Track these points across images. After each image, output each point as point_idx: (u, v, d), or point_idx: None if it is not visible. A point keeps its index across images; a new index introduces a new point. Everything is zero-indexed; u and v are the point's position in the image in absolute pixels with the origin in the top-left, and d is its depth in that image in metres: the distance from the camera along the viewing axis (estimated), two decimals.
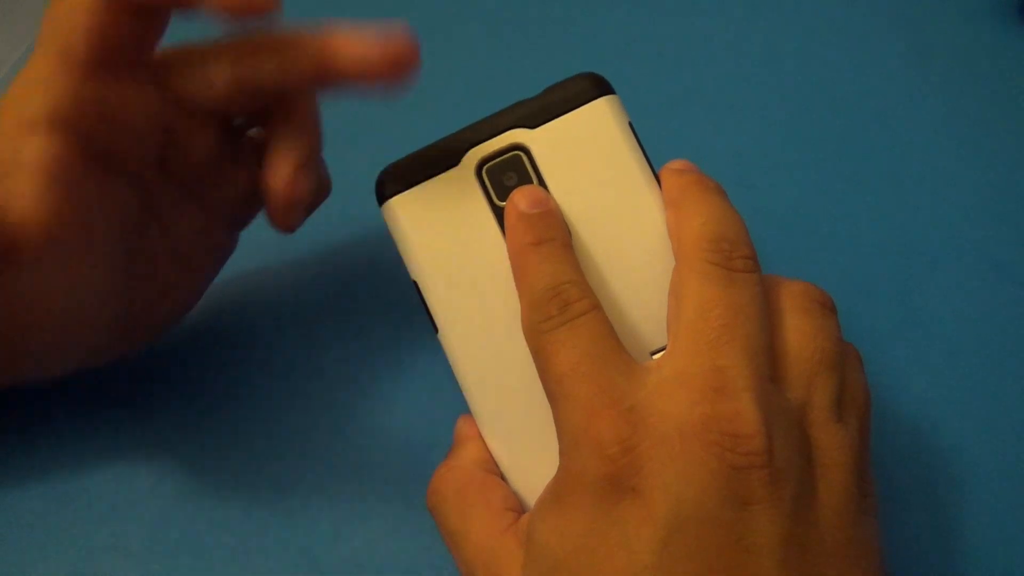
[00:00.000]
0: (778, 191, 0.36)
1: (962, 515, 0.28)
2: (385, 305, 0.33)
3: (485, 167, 0.25)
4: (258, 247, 0.33)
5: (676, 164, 0.25)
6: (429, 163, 0.25)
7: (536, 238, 0.23)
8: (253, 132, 0.29)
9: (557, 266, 0.23)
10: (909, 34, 0.40)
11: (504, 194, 0.25)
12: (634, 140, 0.25)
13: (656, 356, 0.23)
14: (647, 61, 0.40)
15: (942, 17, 0.41)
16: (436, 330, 0.25)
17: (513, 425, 0.24)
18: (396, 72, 0.24)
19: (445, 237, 0.25)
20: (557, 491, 0.21)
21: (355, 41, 0.24)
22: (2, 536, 0.29)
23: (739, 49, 0.40)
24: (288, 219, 0.27)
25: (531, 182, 0.25)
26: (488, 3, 0.42)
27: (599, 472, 0.20)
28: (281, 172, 0.26)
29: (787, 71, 0.39)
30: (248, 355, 0.32)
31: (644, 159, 0.25)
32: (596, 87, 0.25)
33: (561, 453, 0.21)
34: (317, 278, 0.34)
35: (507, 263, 0.24)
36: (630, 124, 0.25)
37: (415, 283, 0.25)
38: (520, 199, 0.24)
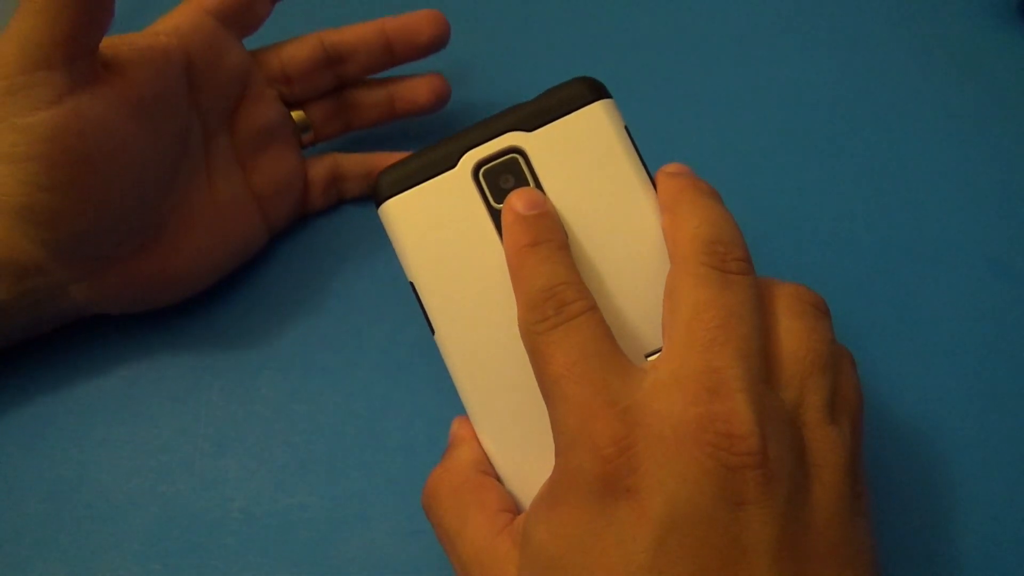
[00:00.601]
0: (777, 190, 0.36)
1: (961, 515, 0.28)
2: (385, 305, 0.33)
3: (482, 170, 0.25)
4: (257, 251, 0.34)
5: (671, 167, 0.25)
6: (426, 166, 0.25)
7: (533, 239, 0.23)
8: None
9: (554, 267, 0.23)
10: (909, 34, 0.40)
11: (501, 196, 0.25)
12: (630, 144, 0.25)
13: (651, 358, 0.23)
14: (645, 61, 0.40)
15: (942, 17, 0.41)
16: (433, 331, 0.25)
17: (509, 426, 0.24)
18: (437, 106, 0.35)
19: (442, 239, 0.25)
20: (553, 491, 0.21)
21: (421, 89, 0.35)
22: (2, 536, 0.29)
23: (738, 49, 0.40)
24: None
25: (528, 185, 0.25)
26: (484, 7, 0.42)
27: (595, 472, 0.20)
28: None
29: (786, 71, 0.39)
30: (248, 355, 0.32)
31: (640, 163, 0.25)
32: (592, 91, 0.25)
33: (557, 453, 0.21)
34: (317, 278, 0.34)
35: (503, 265, 0.24)
36: (626, 128, 0.25)
37: (412, 284, 0.25)
38: (517, 201, 0.24)
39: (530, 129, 0.25)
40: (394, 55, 0.34)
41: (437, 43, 0.34)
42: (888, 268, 0.33)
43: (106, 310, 0.30)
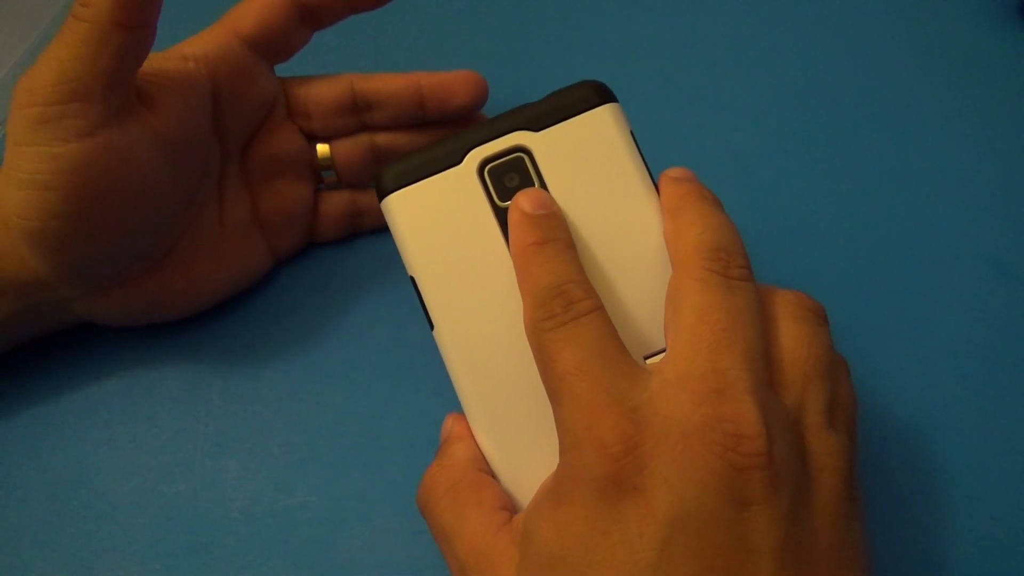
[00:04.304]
0: (778, 191, 0.36)
1: (960, 515, 0.28)
2: (385, 306, 0.33)
3: (487, 167, 0.25)
4: None
5: (674, 172, 0.25)
6: (431, 161, 0.25)
7: (540, 238, 0.23)
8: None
9: (561, 265, 0.23)
10: (909, 34, 0.40)
11: (505, 195, 0.25)
12: (635, 148, 0.25)
13: (651, 360, 0.23)
14: (646, 62, 0.40)
15: (943, 17, 0.41)
16: (432, 326, 0.25)
17: (506, 423, 0.24)
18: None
19: (444, 234, 0.25)
20: (557, 489, 0.21)
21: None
22: (2, 536, 0.29)
23: (739, 50, 0.40)
24: None
25: (532, 184, 0.25)
26: (488, 8, 0.42)
27: (601, 470, 0.20)
28: None
29: (787, 72, 0.39)
30: (248, 355, 0.32)
31: (645, 167, 0.25)
32: (600, 94, 0.25)
33: (562, 451, 0.21)
34: (317, 278, 0.34)
35: (505, 263, 0.24)
36: (631, 132, 0.25)
37: (412, 279, 0.25)
38: (524, 201, 0.24)
39: (537, 129, 0.25)
40: (426, 112, 0.32)
41: (473, 105, 0.32)
42: (888, 268, 0.33)
43: (107, 323, 0.30)
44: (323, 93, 0.32)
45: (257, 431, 0.31)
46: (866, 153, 0.37)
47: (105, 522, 0.29)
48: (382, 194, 0.25)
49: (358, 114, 0.32)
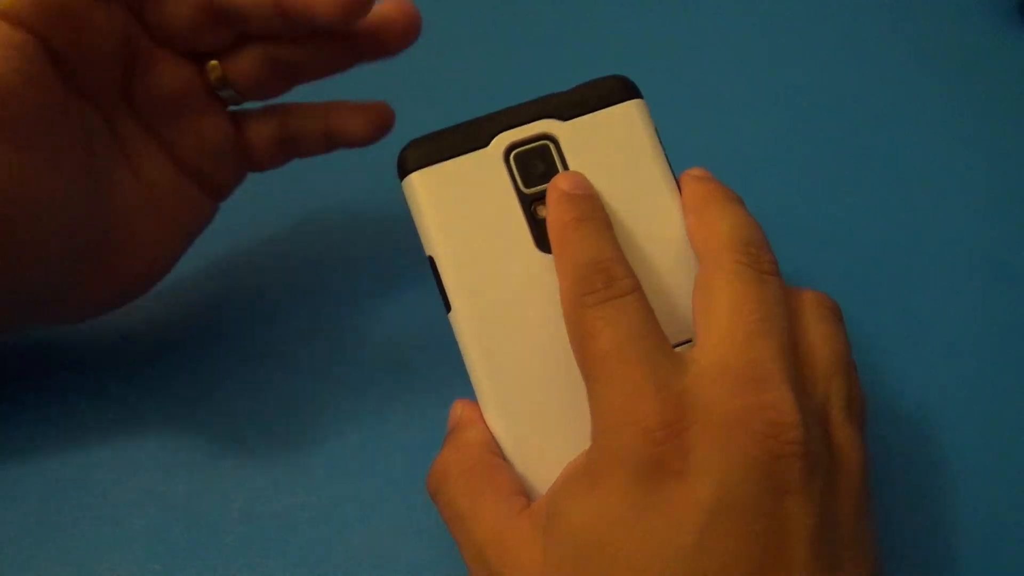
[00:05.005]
0: (779, 191, 0.36)
1: (961, 515, 0.28)
2: (386, 305, 0.33)
3: (513, 152, 0.25)
4: (258, 250, 0.34)
5: (696, 171, 0.26)
6: (456, 142, 0.25)
7: (580, 215, 0.23)
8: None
9: (602, 243, 0.23)
10: (910, 34, 0.40)
11: (530, 181, 0.25)
12: (659, 145, 0.26)
13: (679, 348, 0.24)
14: (649, 62, 0.40)
15: (943, 17, 0.41)
16: (449, 308, 0.24)
17: (523, 408, 0.24)
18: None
19: (466, 215, 0.24)
20: (591, 471, 0.21)
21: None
22: (2, 536, 0.29)
23: (740, 50, 0.40)
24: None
25: (558, 172, 0.25)
26: (489, 7, 0.42)
27: (643, 453, 0.20)
28: None
29: (786, 72, 0.39)
30: (247, 355, 0.32)
31: (668, 166, 0.25)
32: (628, 90, 0.26)
33: (596, 433, 0.21)
34: (317, 277, 0.34)
35: (528, 247, 0.24)
36: (656, 130, 0.26)
37: (431, 259, 0.25)
38: (563, 181, 0.24)
39: (565, 119, 0.25)
40: (293, 24, 0.27)
41: (345, 19, 0.26)
42: (888, 268, 0.33)
43: (82, 320, 0.29)
44: (176, 12, 0.26)
45: (256, 431, 0.31)
46: (865, 153, 0.37)
47: (105, 522, 0.29)
48: (404, 172, 0.25)
49: (229, 26, 0.27)
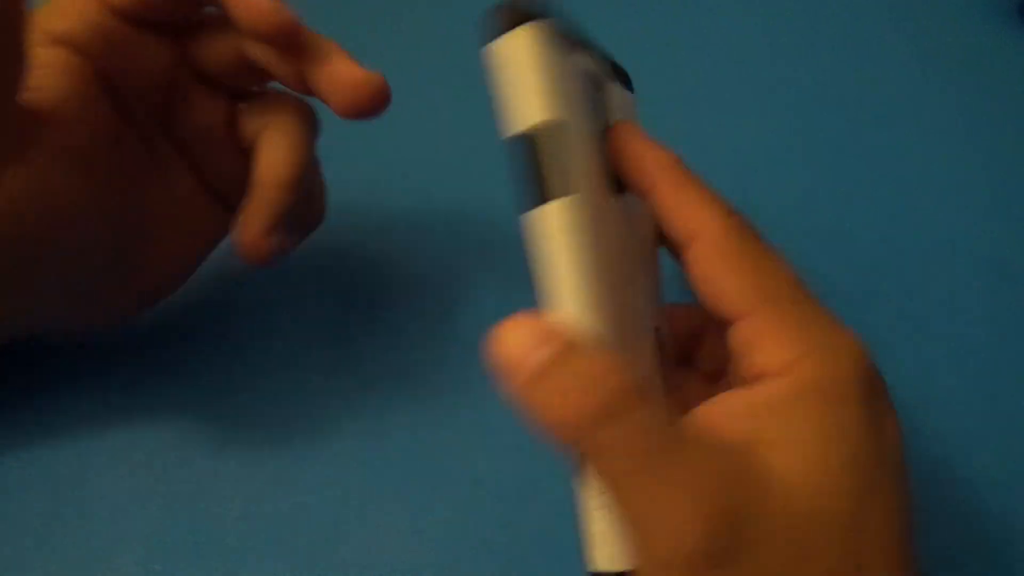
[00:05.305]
0: (779, 190, 0.36)
1: (962, 515, 0.28)
2: (386, 304, 0.33)
3: (615, 71, 0.26)
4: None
5: (664, 158, 0.25)
6: (574, 29, 0.22)
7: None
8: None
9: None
10: (910, 35, 0.40)
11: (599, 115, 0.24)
12: None
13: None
14: (649, 61, 0.40)
15: (943, 17, 0.41)
16: (543, 199, 0.20)
17: (609, 312, 0.20)
18: (364, 111, 0.26)
19: (572, 97, 0.21)
20: (823, 392, 0.21)
21: (346, 77, 0.25)
22: (2, 536, 0.29)
23: (741, 50, 0.40)
24: (255, 263, 0.28)
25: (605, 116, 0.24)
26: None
27: (866, 375, 0.22)
28: (250, 230, 0.28)
29: (786, 72, 0.39)
30: (247, 355, 0.32)
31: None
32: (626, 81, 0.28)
33: (812, 362, 0.21)
34: (316, 277, 0.34)
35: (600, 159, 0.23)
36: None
37: (526, 136, 0.20)
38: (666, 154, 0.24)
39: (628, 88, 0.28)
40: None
41: (269, 36, 0.25)
42: (888, 268, 0.33)
43: (84, 332, 0.30)
44: (217, 55, 0.27)
45: (257, 431, 0.31)
46: (865, 153, 0.37)
47: (105, 522, 0.29)
48: (513, 22, 0.20)
49: (260, 76, 0.28)
